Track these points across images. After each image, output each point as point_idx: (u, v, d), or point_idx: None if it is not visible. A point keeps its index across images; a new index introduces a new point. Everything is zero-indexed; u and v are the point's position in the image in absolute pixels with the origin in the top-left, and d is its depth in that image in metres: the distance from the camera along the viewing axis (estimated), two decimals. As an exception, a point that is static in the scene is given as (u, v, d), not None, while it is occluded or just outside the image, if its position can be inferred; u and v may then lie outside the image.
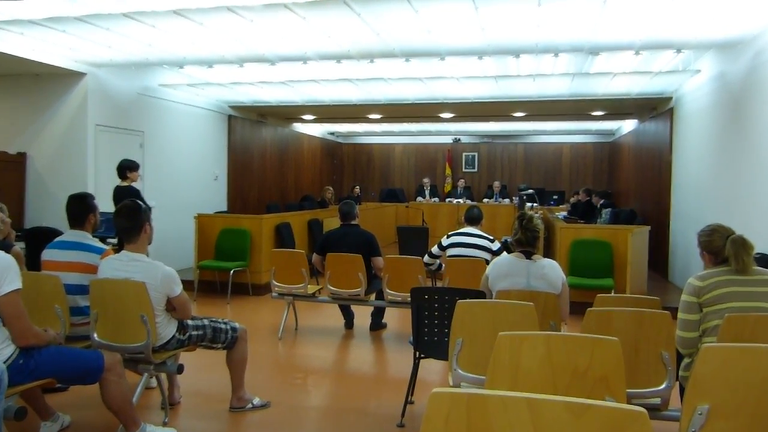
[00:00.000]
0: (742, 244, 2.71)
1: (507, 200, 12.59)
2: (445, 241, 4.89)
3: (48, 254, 3.33)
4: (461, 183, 13.18)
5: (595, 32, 5.35)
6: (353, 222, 5.22)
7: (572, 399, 1.34)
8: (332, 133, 14.94)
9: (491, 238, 4.82)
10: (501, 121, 12.22)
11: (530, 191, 8.99)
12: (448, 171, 14.57)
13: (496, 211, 11.59)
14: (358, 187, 12.65)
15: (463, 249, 4.79)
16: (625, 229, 6.22)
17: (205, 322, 3.41)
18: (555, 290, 3.20)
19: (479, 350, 2.80)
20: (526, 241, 3.28)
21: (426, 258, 4.92)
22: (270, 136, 11.42)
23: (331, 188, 11.63)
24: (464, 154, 14.81)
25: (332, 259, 5.02)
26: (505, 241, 6.32)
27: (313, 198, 12.08)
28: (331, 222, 8.76)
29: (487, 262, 4.83)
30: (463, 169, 14.74)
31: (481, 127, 13.50)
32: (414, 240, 7.33)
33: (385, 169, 15.39)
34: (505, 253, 4.77)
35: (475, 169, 14.56)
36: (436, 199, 12.99)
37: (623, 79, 7.34)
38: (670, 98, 8.20)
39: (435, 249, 4.92)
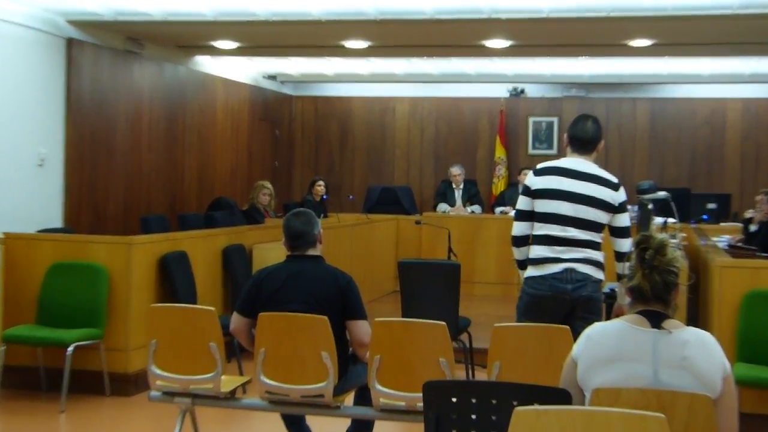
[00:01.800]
0: None
1: (616, 211, 12.66)
2: (534, 182, 5.30)
3: None
4: (525, 176, 13.24)
5: None
6: (312, 252, 5.24)
7: None
8: (272, 77, 15.01)
9: (615, 180, 5.32)
10: (604, 55, 12.30)
11: (661, 194, 9.01)
12: (500, 152, 14.66)
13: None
14: (322, 182, 12.70)
15: (564, 204, 5.16)
16: None
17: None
18: (709, 390, 3.20)
19: (559, 507, 2.80)
20: (653, 291, 3.29)
21: (515, 228, 5.34)
22: (150, 82, 11.48)
23: (269, 185, 11.64)
24: (532, 119, 14.92)
25: (270, 325, 5.03)
26: (611, 290, 6.34)
27: (234, 204, 12.09)
28: (269, 251, 8.80)
29: (596, 267, 5.15)
30: (530, 150, 14.84)
31: (563, 67, 13.63)
32: (430, 288, 7.34)
33: (377, 147, 15.49)
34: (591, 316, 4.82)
35: (554, 150, 14.65)
36: (477, 208, 13.04)
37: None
38: None
39: (522, 200, 5.32)
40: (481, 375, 7.48)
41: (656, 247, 3.30)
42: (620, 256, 5.21)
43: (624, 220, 5.24)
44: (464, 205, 12.95)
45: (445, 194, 13.23)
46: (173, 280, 7.56)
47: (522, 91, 14.90)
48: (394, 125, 15.40)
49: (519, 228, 5.32)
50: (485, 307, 10.06)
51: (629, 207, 5.41)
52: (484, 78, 14.45)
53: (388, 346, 4.93)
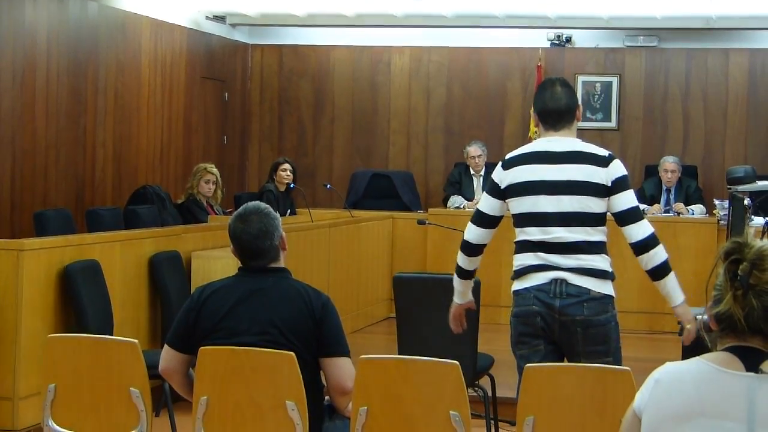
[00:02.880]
0: None
1: (698, 207, 12.66)
2: (502, 177, 5.66)
3: None
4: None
5: None
6: (274, 264, 5.24)
7: None
8: (220, 18, 14.97)
9: (603, 153, 5.58)
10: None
11: (762, 185, 9.03)
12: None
13: (671, 233, 11.61)
14: (288, 166, 12.67)
15: (541, 199, 5.51)
16: None
17: None
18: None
19: None
20: (749, 321, 3.27)
21: (468, 232, 5.73)
22: (48, 24, 11.42)
23: (214, 170, 11.61)
24: (581, 78, 14.91)
25: (215, 364, 5.03)
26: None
27: (165, 195, 12.06)
28: (213, 261, 8.83)
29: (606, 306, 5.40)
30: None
31: (626, 6, 13.64)
32: (438, 312, 7.31)
33: (365, 117, 15.49)
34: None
35: (612, 122, 14.67)
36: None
37: None
38: None
39: (486, 200, 5.72)
40: (507, 434, 7.51)
41: (753, 260, 3.28)
42: (639, 248, 5.39)
43: (625, 200, 5.42)
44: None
45: (459, 183, 13.25)
46: (80, 300, 7.55)
47: (568, 40, 14.91)
48: (390, 86, 15.40)
49: (473, 233, 5.66)
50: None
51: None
52: (515, 21, 14.47)
53: (379, 394, 4.95)
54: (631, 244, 5.39)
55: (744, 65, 14.48)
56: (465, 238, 5.68)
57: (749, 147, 14.32)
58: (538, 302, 5.39)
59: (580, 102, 5.73)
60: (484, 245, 5.69)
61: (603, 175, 5.39)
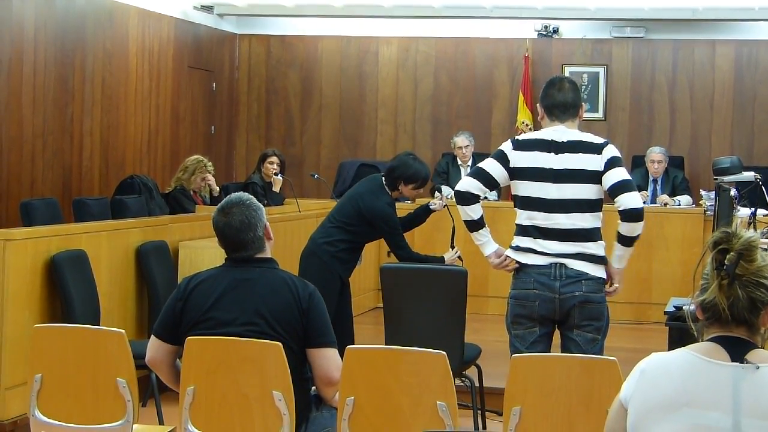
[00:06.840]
0: None
1: (685, 198, 12.67)
2: (513, 157, 6.03)
3: None
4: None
5: None
6: (260, 255, 5.22)
7: None
8: (207, 8, 14.92)
9: (598, 141, 6.01)
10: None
11: (748, 175, 9.03)
12: (524, 115, 14.61)
13: (658, 224, 11.61)
14: (276, 158, 12.62)
15: (546, 186, 5.94)
16: None
17: None
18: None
19: None
20: (734, 311, 3.28)
21: (462, 183, 6.09)
22: (36, 14, 11.36)
23: (204, 161, 11.56)
24: (568, 69, 14.89)
25: (202, 354, 5.02)
26: (677, 309, 6.34)
27: (153, 185, 12.02)
28: (201, 251, 8.82)
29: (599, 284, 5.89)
30: (567, 112, 14.80)
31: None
32: (425, 303, 7.34)
33: (353, 107, 15.46)
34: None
35: (599, 113, 14.66)
36: (491, 194, 12.98)
37: None
38: None
39: (491, 164, 6.05)
40: (495, 425, 7.48)
41: (740, 250, 3.29)
42: (631, 215, 5.79)
43: (617, 174, 5.82)
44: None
45: (447, 173, 13.22)
46: (66, 290, 7.52)
47: (555, 31, 14.88)
48: (377, 76, 15.37)
49: (467, 183, 5.99)
50: (502, 331, 10.05)
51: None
52: (503, 11, 14.45)
53: (366, 385, 4.94)
54: (622, 211, 5.76)
55: (730, 56, 14.48)
56: (457, 189, 5.99)
57: (735, 138, 14.33)
58: (538, 285, 5.75)
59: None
60: (476, 195, 5.94)
61: (598, 161, 5.80)
